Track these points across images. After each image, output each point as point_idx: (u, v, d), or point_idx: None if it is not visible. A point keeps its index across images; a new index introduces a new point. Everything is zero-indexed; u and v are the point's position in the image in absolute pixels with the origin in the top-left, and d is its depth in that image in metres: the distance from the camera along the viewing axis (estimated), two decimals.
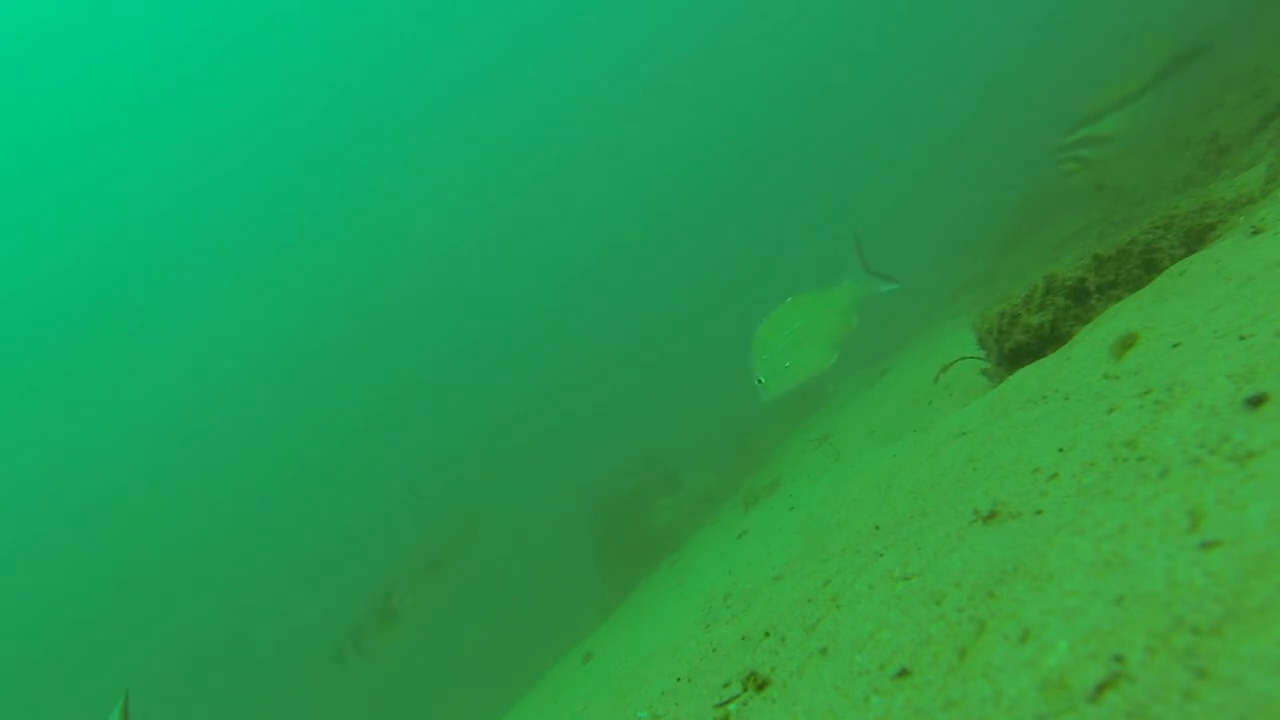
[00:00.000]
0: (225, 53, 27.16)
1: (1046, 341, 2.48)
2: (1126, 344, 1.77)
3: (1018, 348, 2.57)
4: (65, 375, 27.34)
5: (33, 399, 26.97)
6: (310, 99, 29.12)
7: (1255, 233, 1.92)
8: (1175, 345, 1.59)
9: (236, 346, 28.88)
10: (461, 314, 28.97)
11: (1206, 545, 0.97)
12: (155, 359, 28.07)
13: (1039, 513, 1.38)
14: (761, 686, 1.68)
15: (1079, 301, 2.46)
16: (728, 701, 1.75)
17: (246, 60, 27.65)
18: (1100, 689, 0.90)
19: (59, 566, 23.25)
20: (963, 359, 3.45)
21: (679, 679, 2.23)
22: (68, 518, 24.52)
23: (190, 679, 15.44)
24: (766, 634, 2.01)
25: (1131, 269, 2.42)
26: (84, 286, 27.73)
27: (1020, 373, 2.31)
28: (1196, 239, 2.31)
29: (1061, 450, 1.53)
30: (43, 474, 25.28)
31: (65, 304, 27.58)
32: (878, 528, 2.06)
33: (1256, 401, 1.19)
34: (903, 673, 1.24)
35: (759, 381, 3.56)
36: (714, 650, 2.25)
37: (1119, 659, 0.91)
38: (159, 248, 28.37)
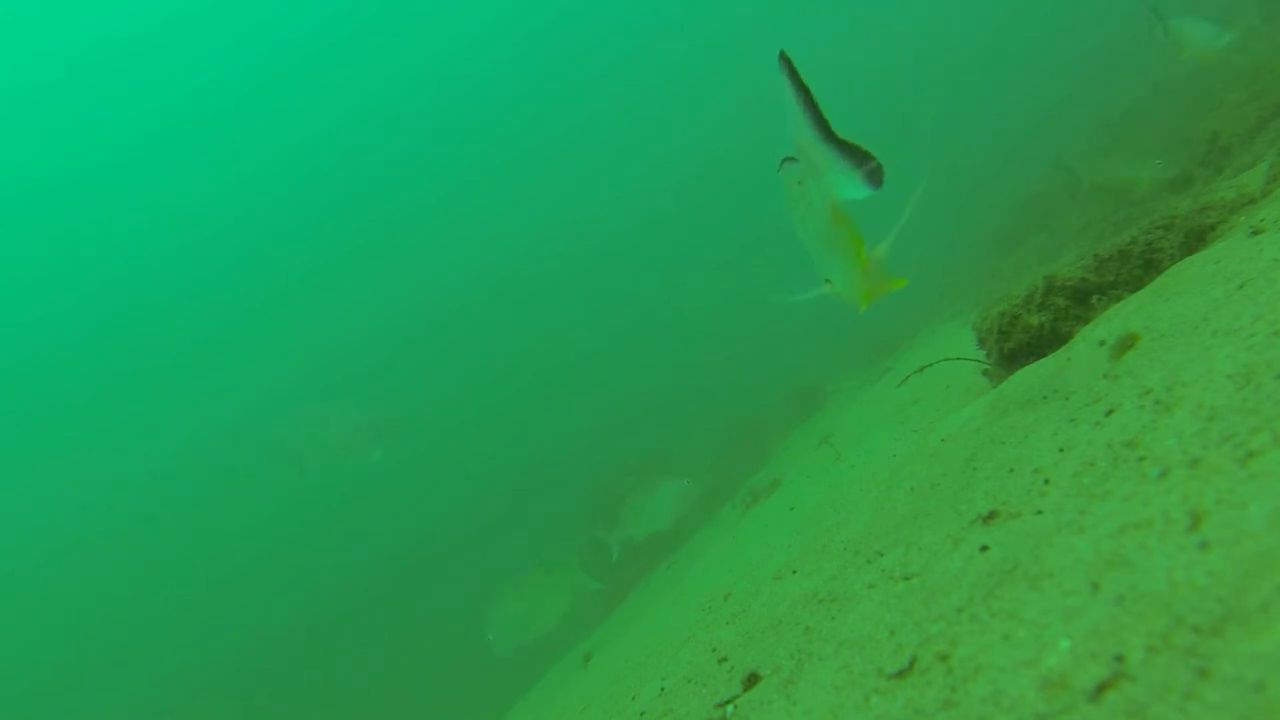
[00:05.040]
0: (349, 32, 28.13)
1: (1046, 342, 2.48)
2: (1126, 344, 1.77)
3: (1018, 348, 2.57)
4: (125, 385, 27.63)
5: (99, 408, 27.28)
6: (409, 94, 29.81)
7: (1255, 233, 1.92)
8: (1175, 345, 1.59)
9: (292, 357, 29.03)
10: (461, 313, 29.02)
11: (1207, 545, 0.97)
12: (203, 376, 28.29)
13: (1039, 513, 1.38)
14: (761, 687, 1.68)
15: (1079, 301, 2.46)
16: (727, 701, 1.75)
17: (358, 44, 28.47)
18: (1101, 689, 0.90)
19: (116, 574, 23.09)
20: (944, 360, 3.46)
21: (679, 679, 2.23)
22: (121, 531, 24.41)
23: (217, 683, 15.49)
24: (766, 634, 2.01)
25: (1131, 269, 2.42)
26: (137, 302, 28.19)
27: (1020, 373, 2.31)
28: (1196, 239, 2.30)
29: (1062, 450, 1.53)
30: (104, 481, 25.29)
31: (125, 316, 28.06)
32: (878, 528, 2.06)
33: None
34: (902, 673, 1.24)
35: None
36: (714, 650, 2.25)
37: (1120, 659, 0.91)
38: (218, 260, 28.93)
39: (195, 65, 27.90)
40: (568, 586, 5.57)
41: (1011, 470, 1.62)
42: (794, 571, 2.40)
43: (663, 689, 2.25)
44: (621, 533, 5.52)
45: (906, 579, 1.54)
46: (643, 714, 2.17)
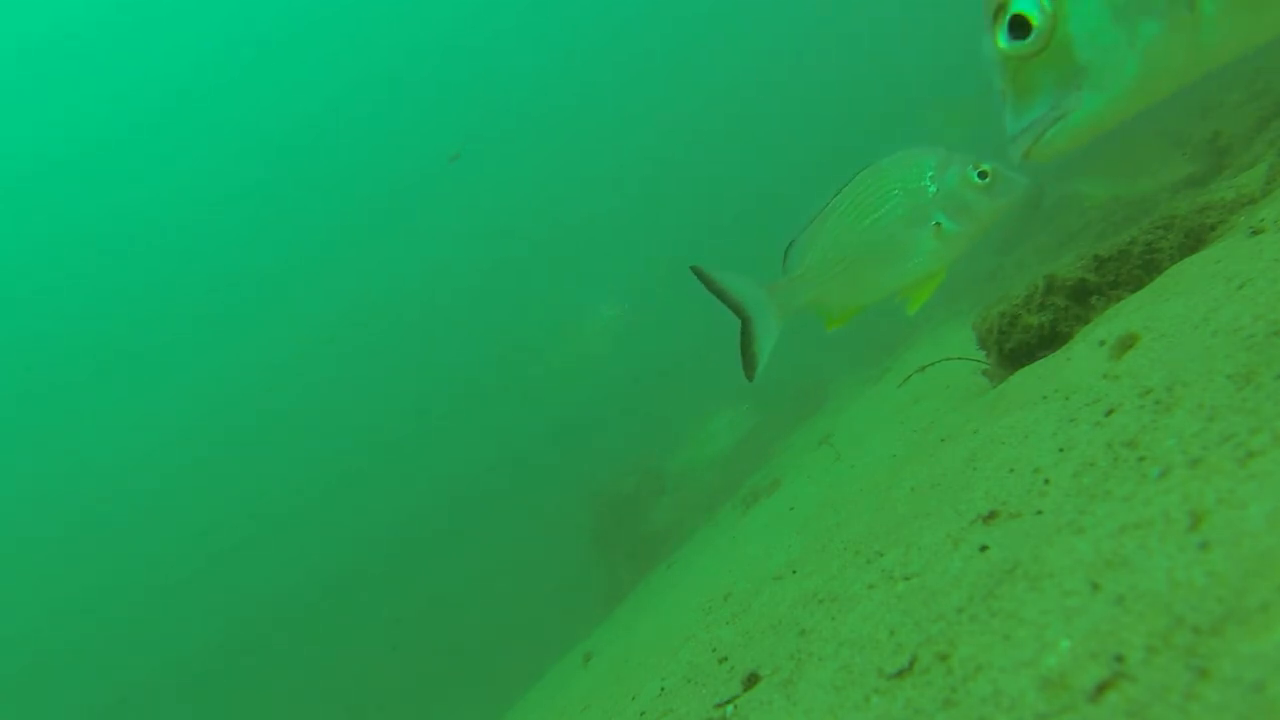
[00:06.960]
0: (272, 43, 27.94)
1: (1046, 342, 2.48)
2: (1126, 344, 1.77)
3: (1018, 348, 2.57)
4: (102, 373, 27.61)
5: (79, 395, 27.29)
6: (358, 90, 29.67)
7: (1255, 233, 1.92)
8: (1175, 345, 1.59)
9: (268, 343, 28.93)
10: (458, 311, 28.98)
11: (1207, 545, 0.97)
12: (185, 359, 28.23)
13: (1039, 513, 1.38)
14: (761, 687, 1.68)
15: (1079, 301, 2.46)
16: (727, 701, 1.75)
17: (295, 54, 28.31)
18: (1101, 689, 0.90)
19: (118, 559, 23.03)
20: (944, 360, 3.47)
21: (679, 679, 2.23)
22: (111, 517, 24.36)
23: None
24: (766, 634, 2.01)
25: (1131, 269, 2.42)
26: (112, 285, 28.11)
27: (1020, 373, 2.31)
28: (1196, 239, 2.31)
29: (1061, 450, 1.53)
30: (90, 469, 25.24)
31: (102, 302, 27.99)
32: (878, 527, 2.06)
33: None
34: (902, 672, 1.24)
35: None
36: (713, 650, 2.25)
37: (1120, 659, 0.91)
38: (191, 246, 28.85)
39: (185, 45, 27.55)
40: None
41: (1011, 470, 1.62)
42: (794, 571, 2.40)
43: (663, 689, 2.26)
44: (683, 455, 5.65)
45: (906, 579, 1.54)
46: (642, 714, 2.17)
